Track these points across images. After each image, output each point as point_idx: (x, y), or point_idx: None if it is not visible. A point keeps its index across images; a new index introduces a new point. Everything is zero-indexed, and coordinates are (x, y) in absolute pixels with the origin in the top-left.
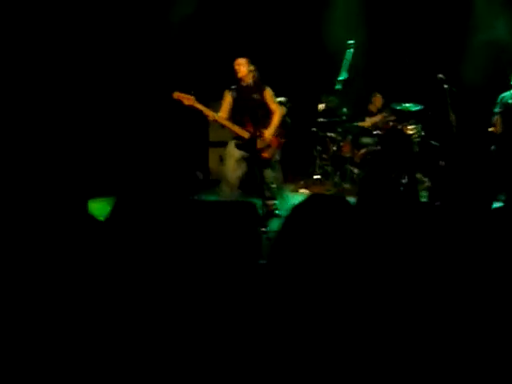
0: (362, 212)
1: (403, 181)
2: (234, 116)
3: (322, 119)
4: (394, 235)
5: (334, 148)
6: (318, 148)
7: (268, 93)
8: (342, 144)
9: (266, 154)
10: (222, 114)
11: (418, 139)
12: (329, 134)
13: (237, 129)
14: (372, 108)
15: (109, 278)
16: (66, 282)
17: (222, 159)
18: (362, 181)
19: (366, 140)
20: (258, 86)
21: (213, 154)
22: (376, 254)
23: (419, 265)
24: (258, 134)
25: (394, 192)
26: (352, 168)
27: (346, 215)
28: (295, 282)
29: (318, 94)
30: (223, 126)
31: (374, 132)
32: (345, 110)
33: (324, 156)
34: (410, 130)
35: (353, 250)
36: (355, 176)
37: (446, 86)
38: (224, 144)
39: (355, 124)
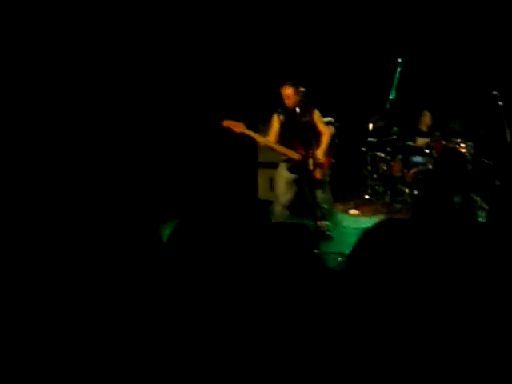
0: (418, 232)
1: (458, 200)
2: (283, 139)
3: (371, 139)
4: (451, 255)
5: (385, 167)
6: (368, 168)
7: (316, 114)
8: (392, 163)
9: (316, 175)
10: (271, 138)
11: (470, 158)
12: (379, 154)
13: (287, 151)
14: (422, 127)
15: (171, 295)
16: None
17: (271, 180)
18: (417, 201)
19: (417, 159)
20: (306, 109)
21: (262, 175)
22: (434, 274)
23: (476, 286)
24: (308, 155)
25: (450, 212)
26: (403, 188)
27: (419, 239)
28: (367, 301)
29: (368, 113)
30: (274, 150)
31: (426, 151)
32: (395, 129)
33: (374, 176)
34: (463, 148)
35: (417, 270)
36: (406, 196)
37: (500, 103)
38: (272, 165)
39: (406, 143)
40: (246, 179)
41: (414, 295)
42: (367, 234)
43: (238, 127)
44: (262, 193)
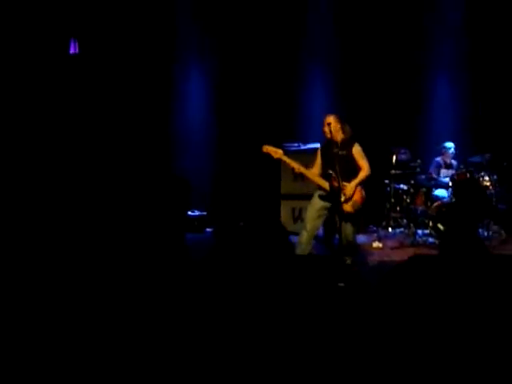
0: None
1: (483, 232)
2: (322, 169)
3: (394, 171)
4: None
5: (408, 200)
6: (392, 200)
7: (356, 149)
8: (415, 196)
9: (346, 208)
10: (315, 170)
11: (493, 191)
12: (402, 186)
13: (319, 180)
14: (446, 159)
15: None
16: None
17: (293, 211)
18: (444, 235)
19: (440, 192)
20: (347, 142)
21: (284, 207)
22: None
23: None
24: (340, 187)
25: (477, 246)
26: (426, 221)
27: (447, 276)
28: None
29: (391, 145)
30: (306, 178)
31: (450, 184)
32: (418, 161)
33: (397, 208)
34: (486, 181)
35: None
36: (429, 229)
37: None
38: (295, 197)
39: (429, 176)
40: (269, 210)
41: (441, 331)
42: (395, 270)
43: (277, 153)
44: (285, 224)
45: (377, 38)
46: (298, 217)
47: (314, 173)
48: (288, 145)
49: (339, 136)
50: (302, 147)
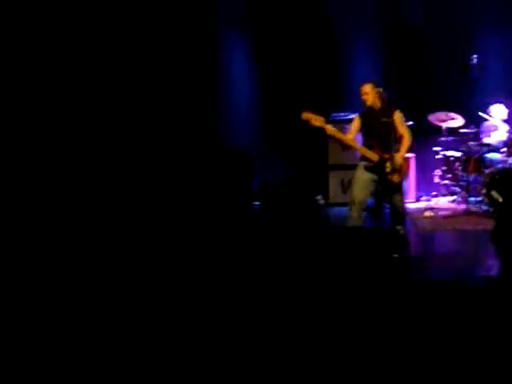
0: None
1: None
2: (362, 139)
3: (446, 138)
4: None
5: (460, 167)
6: (443, 168)
7: (397, 115)
8: (467, 163)
9: (394, 179)
10: (350, 137)
11: None
12: (453, 153)
13: (366, 151)
14: (495, 122)
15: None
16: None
17: (342, 183)
18: (498, 205)
19: (494, 156)
20: (387, 109)
21: (332, 178)
22: None
23: None
24: (386, 157)
25: None
26: (479, 188)
27: None
28: None
29: (442, 111)
30: (349, 149)
31: (502, 150)
32: (471, 127)
33: (449, 176)
34: None
35: None
36: (483, 196)
37: None
38: (344, 167)
39: (481, 141)
40: (316, 181)
41: None
42: None
43: (317, 120)
44: (334, 196)
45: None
46: (348, 187)
47: (354, 141)
48: (336, 114)
49: (378, 103)
50: (351, 116)
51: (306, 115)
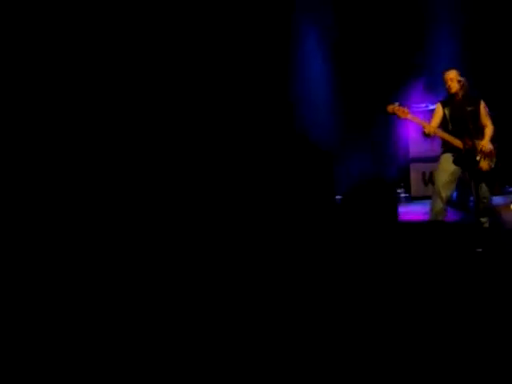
0: None
1: None
2: (446, 128)
3: None
4: None
5: None
6: None
7: (483, 105)
8: None
9: (483, 167)
10: (435, 126)
11: None
12: None
13: (454, 140)
14: None
15: None
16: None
17: (423, 175)
18: None
19: None
20: (472, 98)
21: (414, 171)
22: None
23: None
24: (475, 145)
25: None
26: None
27: None
28: None
29: None
30: (433, 138)
31: None
32: None
33: None
34: None
35: None
36: None
37: None
38: (425, 159)
39: None
40: (398, 174)
41: None
42: None
43: (404, 113)
44: (415, 189)
45: None
46: (429, 180)
47: (443, 131)
48: (415, 105)
49: (463, 91)
50: (431, 107)
51: (392, 108)
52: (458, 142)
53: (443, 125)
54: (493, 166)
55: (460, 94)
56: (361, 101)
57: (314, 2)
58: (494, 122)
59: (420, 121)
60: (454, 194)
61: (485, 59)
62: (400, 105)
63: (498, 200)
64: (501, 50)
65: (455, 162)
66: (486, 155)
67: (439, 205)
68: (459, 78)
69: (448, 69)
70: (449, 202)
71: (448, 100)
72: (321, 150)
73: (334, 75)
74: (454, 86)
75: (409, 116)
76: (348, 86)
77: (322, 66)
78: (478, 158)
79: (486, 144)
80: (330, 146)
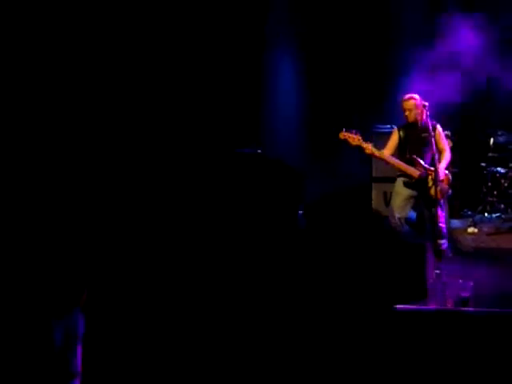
0: None
1: None
2: (401, 154)
3: (492, 154)
4: None
5: (505, 184)
6: (488, 184)
7: (438, 130)
8: None
9: (436, 193)
10: (387, 152)
11: None
12: (499, 170)
13: (406, 168)
14: None
15: None
16: None
17: (385, 195)
18: None
19: None
20: (429, 124)
21: (376, 190)
22: None
23: None
24: (427, 172)
25: None
26: None
27: None
28: None
29: (487, 127)
30: (391, 165)
31: None
32: None
33: (494, 192)
34: None
35: None
36: None
37: None
38: (387, 180)
39: None
40: (359, 194)
41: None
42: None
43: (354, 140)
44: (376, 207)
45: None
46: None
47: (394, 158)
48: (380, 126)
49: (421, 118)
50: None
51: (344, 135)
52: (409, 170)
53: (400, 150)
54: (448, 191)
55: (417, 121)
56: (326, 120)
57: (285, 22)
58: (455, 146)
59: (372, 148)
60: (413, 215)
61: None
62: (353, 132)
63: (456, 223)
64: None
65: (408, 186)
66: (439, 182)
67: (395, 222)
68: (418, 104)
69: (408, 97)
70: (407, 222)
71: (405, 125)
72: (293, 171)
73: (301, 94)
74: (411, 116)
75: (361, 144)
76: (314, 104)
77: (290, 85)
78: (429, 184)
79: (439, 171)
80: (295, 163)
